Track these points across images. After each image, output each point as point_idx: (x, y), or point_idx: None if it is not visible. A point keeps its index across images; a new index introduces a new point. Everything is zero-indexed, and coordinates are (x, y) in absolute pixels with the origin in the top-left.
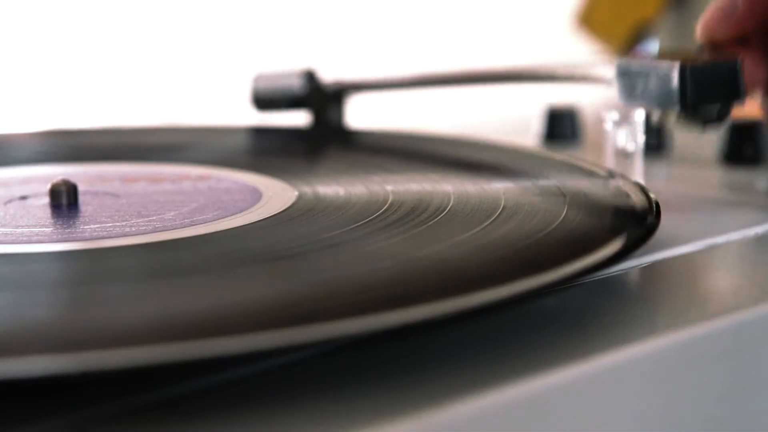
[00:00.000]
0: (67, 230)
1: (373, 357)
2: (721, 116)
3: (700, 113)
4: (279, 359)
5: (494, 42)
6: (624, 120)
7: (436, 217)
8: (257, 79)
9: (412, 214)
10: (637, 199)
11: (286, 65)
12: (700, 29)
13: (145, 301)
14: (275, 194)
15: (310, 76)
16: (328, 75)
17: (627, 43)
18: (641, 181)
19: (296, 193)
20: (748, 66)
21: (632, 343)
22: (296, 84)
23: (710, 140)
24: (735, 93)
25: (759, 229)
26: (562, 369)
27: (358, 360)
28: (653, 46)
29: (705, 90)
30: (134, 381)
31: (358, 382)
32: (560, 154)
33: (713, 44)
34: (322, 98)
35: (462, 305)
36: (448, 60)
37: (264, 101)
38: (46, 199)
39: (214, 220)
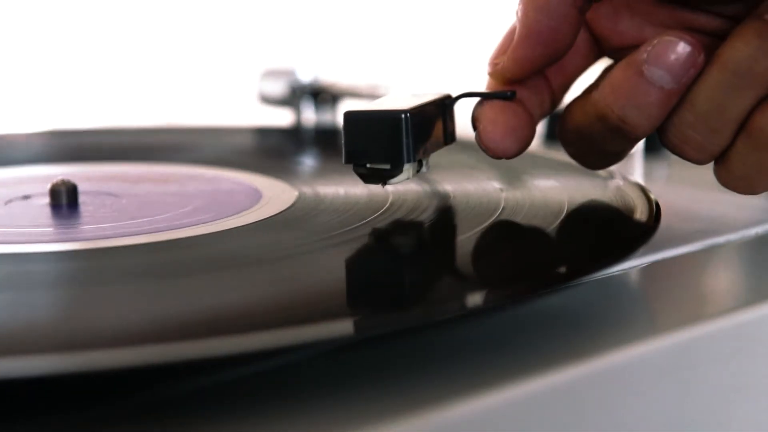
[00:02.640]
0: (66, 230)
1: (374, 357)
2: (391, 175)
3: (371, 169)
4: (279, 359)
5: (493, 37)
6: None
7: (438, 216)
8: (264, 76)
9: (412, 215)
10: (637, 200)
11: (289, 63)
12: (488, 64)
13: (144, 302)
14: (275, 195)
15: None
16: (329, 74)
17: None
18: (641, 181)
19: (296, 193)
20: (527, 99)
21: (632, 343)
22: (290, 83)
23: None
24: (396, 152)
25: (759, 229)
26: (562, 369)
27: (358, 360)
28: None
29: (360, 143)
30: (133, 381)
31: (359, 382)
32: (560, 155)
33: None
34: (324, 96)
35: (461, 307)
36: (447, 63)
37: (269, 98)
38: (46, 199)
39: (214, 221)
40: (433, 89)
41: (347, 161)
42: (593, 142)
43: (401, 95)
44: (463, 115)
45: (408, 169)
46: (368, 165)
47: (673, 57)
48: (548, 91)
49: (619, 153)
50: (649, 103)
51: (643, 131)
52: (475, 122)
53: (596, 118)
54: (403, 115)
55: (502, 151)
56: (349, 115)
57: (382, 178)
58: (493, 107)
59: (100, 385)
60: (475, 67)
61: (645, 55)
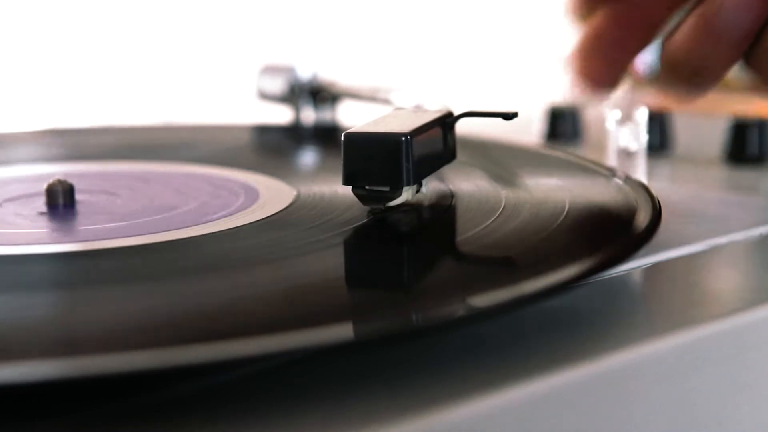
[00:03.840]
0: (63, 231)
1: (373, 359)
2: (390, 198)
3: (370, 191)
4: (275, 363)
5: (508, 40)
6: (626, 119)
7: (438, 216)
8: (262, 72)
9: (412, 215)
10: (639, 199)
11: (288, 59)
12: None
13: (140, 305)
14: (273, 194)
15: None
16: (331, 71)
17: None
18: (644, 179)
19: (294, 192)
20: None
21: (634, 346)
22: (294, 79)
23: (714, 139)
24: (396, 175)
25: (763, 230)
26: (561, 371)
27: (357, 362)
28: (655, 47)
29: (360, 165)
30: (130, 385)
31: (357, 384)
32: (562, 153)
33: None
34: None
35: (461, 310)
36: (453, 52)
37: (267, 95)
38: (42, 200)
39: (211, 221)
40: (435, 100)
41: (346, 183)
42: (696, 62)
43: (402, 113)
44: (461, 116)
45: (407, 191)
46: (367, 187)
47: None
48: (645, 25)
49: (717, 76)
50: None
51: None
52: (569, 61)
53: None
54: (403, 138)
55: (597, 82)
56: (349, 137)
57: (381, 200)
58: (586, 42)
59: (99, 390)
60: (479, 71)
61: None
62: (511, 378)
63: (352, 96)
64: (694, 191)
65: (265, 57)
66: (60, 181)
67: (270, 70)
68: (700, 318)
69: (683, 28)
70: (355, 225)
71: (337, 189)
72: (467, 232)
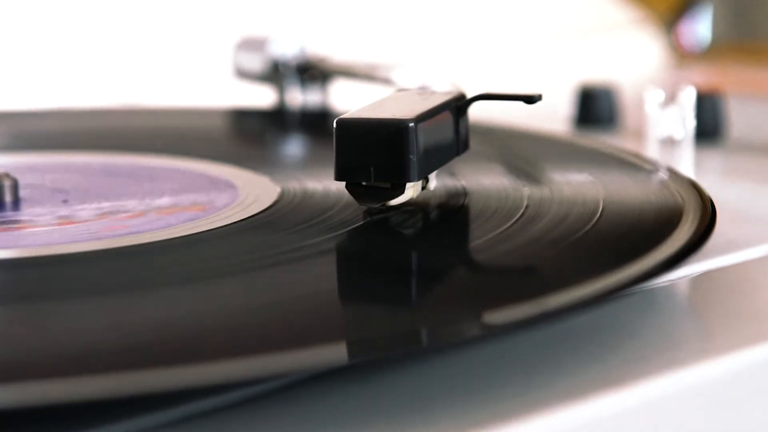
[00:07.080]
0: (6, 234)
1: (370, 384)
2: (391, 196)
3: (368, 187)
4: (257, 389)
5: (528, 8)
6: (671, 101)
7: (448, 218)
8: (240, 46)
9: (417, 216)
10: (686, 197)
11: (270, 31)
12: None
13: (98, 321)
14: (253, 191)
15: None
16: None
17: (674, 11)
18: (691, 174)
19: (279, 189)
20: None
21: (680, 368)
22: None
23: None
24: (399, 169)
25: None
26: (596, 398)
27: (348, 389)
28: (705, 15)
29: (356, 157)
30: (86, 414)
31: (364, 413)
32: (594, 143)
33: None
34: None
35: (476, 328)
36: (464, 22)
37: (246, 73)
38: None
39: (179, 224)
40: (443, 79)
41: (339, 178)
42: None
43: (405, 95)
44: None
45: (412, 187)
46: (364, 183)
47: None
48: None
49: None
50: None
51: None
52: None
53: None
54: (407, 125)
55: None
56: (343, 123)
57: (381, 198)
58: None
59: (47, 420)
60: (495, 45)
61: None
62: (535, 407)
63: (346, 74)
64: (749, 188)
65: (244, 28)
66: (3, 175)
67: (249, 44)
68: (758, 335)
69: None
70: (349, 228)
71: (329, 185)
72: (483, 236)
